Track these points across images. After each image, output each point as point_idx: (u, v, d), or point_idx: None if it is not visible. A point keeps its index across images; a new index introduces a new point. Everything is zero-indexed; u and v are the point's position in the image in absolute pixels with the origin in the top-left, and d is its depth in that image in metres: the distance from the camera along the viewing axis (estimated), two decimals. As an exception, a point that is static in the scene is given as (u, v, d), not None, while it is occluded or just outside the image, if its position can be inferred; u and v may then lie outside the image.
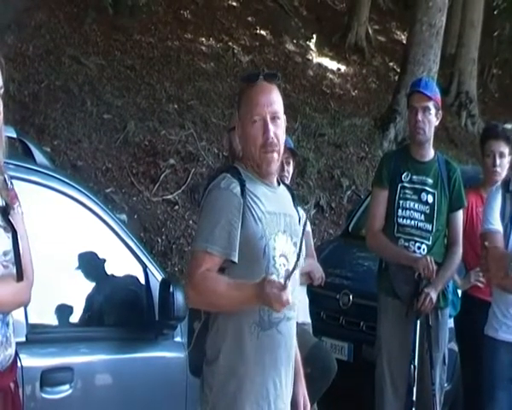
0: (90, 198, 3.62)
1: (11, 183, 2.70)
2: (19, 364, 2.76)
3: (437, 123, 4.59)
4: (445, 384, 4.83)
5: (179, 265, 8.21)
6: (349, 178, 11.04)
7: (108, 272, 3.72)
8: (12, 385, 2.65)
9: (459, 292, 4.92)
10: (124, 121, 9.72)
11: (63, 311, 3.53)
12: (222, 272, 2.77)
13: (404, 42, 14.59)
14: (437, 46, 11.99)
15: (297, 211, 3.02)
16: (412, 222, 4.54)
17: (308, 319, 4.72)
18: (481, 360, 4.15)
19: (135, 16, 12.38)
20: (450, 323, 4.82)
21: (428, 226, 4.53)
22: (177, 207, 9.08)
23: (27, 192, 3.06)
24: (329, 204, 10.55)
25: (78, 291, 3.62)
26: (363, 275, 6.05)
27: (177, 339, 3.76)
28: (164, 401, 3.71)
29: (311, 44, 15.14)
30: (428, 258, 4.39)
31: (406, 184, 4.56)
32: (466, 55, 15.47)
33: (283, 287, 2.56)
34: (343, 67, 15.07)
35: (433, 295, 4.37)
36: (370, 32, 16.45)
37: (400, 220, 4.55)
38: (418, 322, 4.42)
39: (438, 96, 4.61)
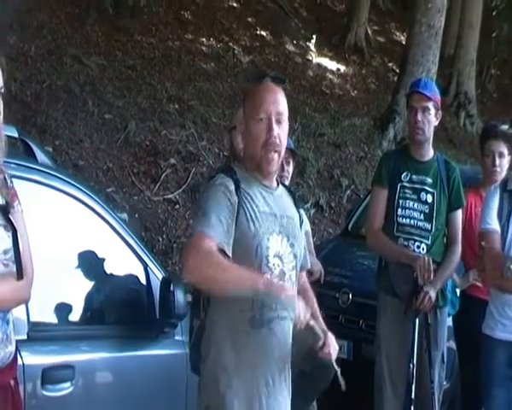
0: (92, 197, 3.64)
1: (11, 181, 2.70)
2: (20, 362, 2.77)
3: (436, 123, 4.59)
4: (444, 382, 4.83)
5: (180, 264, 8.21)
6: (348, 178, 11.05)
7: (109, 271, 3.74)
8: (12, 382, 2.66)
9: (458, 291, 4.93)
10: (125, 121, 9.74)
11: (64, 309, 3.53)
12: None
13: (404, 42, 14.59)
14: (436, 47, 12.00)
15: (299, 213, 3.03)
16: (411, 221, 4.54)
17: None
18: (479, 358, 4.16)
19: (136, 17, 12.40)
20: (449, 321, 4.81)
21: (428, 226, 4.53)
22: (177, 206, 9.10)
23: (29, 191, 3.09)
24: (329, 204, 10.56)
25: (79, 290, 3.63)
26: (363, 274, 6.05)
27: (178, 337, 3.77)
28: (164, 399, 3.72)
29: (311, 45, 15.14)
30: (426, 258, 4.37)
31: (406, 184, 4.56)
32: (465, 55, 15.46)
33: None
34: (342, 68, 15.07)
35: (432, 294, 4.36)
36: (370, 32, 16.45)
37: (400, 220, 4.54)
38: (417, 320, 4.41)
39: (437, 96, 4.61)
